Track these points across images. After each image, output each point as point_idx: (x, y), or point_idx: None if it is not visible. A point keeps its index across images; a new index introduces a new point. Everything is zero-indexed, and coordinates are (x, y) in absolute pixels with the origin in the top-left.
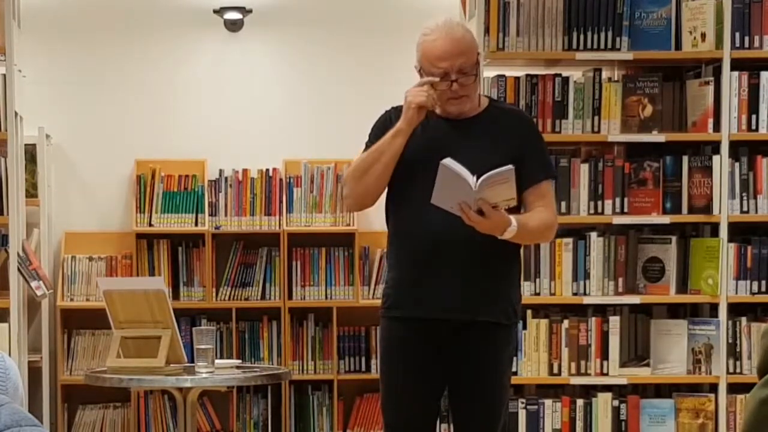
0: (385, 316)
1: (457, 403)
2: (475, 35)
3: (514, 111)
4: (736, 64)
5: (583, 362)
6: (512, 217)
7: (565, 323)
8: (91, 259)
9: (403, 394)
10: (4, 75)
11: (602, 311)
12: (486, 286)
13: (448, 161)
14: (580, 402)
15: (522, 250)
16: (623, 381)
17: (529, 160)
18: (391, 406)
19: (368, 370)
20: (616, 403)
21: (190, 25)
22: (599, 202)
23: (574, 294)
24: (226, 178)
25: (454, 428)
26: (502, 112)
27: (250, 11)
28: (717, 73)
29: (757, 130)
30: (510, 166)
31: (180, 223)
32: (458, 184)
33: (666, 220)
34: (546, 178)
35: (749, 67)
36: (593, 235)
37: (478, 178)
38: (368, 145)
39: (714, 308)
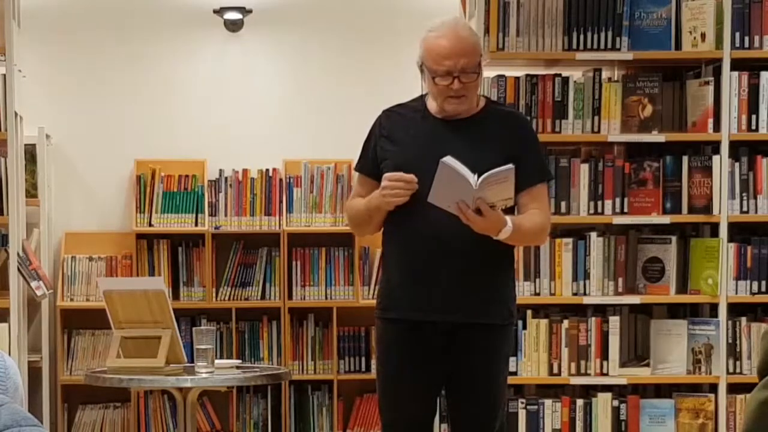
0: (380, 318)
1: (454, 404)
2: None
3: (511, 112)
4: (736, 64)
5: (583, 362)
6: (508, 218)
7: (565, 323)
8: (91, 259)
9: (400, 394)
10: (4, 75)
11: (602, 311)
12: (482, 288)
13: (448, 159)
14: (580, 402)
15: (522, 251)
16: (623, 381)
17: (525, 162)
18: (388, 407)
19: (368, 370)
20: (616, 403)
21: (190, 25)
22: (599, 202)
23: (574, 294)
24: (226, 178)
25: (451, 428)
26: (499, 113)
27: (250, 11)
28: (717, 73)
29: (757, 130)
30: (510, 166)
31: (180, 223)
32: (458, 183)
33: (666, 220)
34: (541, 180)
35: (749, 67)
36: (593, 235)
37: (478, 177)
38: (361, 159)
39: (714, 308)
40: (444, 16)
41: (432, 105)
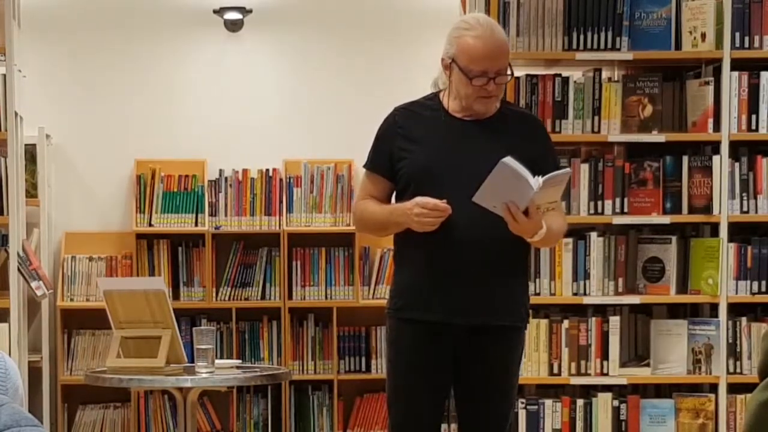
0: (394, 317)
1: (465, 404)
2: None
3: (527, 114)
4: (736, 64)
5: (583, 362)
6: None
7: (565, 323)
8: (91, 259)
9: (412, 395)
10: (4, 75)
11: (602, 311)
12: (501, 290)
13: (509, 160)
14: (580, 402)
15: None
16: (623, 381)
17: (545, 164)
18: (399, 407)
19: (368, 370)
20: (616, 403)
21: (190, 25)
22: (599, 202)
23: (574, 294)
24: (226, 178)
25: (461, 428)
26: (515, 114)
27: (250, 11)
28: (717, 73)
29: (757, 130)
30: (568, 170)
31: (180, 223)
32: (515, 184)
33: (666, 220)
34: None
35: (749, 67)
36: (593, 235)
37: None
38: (373, 157)
39: (714, 308)
40: (475, 14)
41: (452, 104)
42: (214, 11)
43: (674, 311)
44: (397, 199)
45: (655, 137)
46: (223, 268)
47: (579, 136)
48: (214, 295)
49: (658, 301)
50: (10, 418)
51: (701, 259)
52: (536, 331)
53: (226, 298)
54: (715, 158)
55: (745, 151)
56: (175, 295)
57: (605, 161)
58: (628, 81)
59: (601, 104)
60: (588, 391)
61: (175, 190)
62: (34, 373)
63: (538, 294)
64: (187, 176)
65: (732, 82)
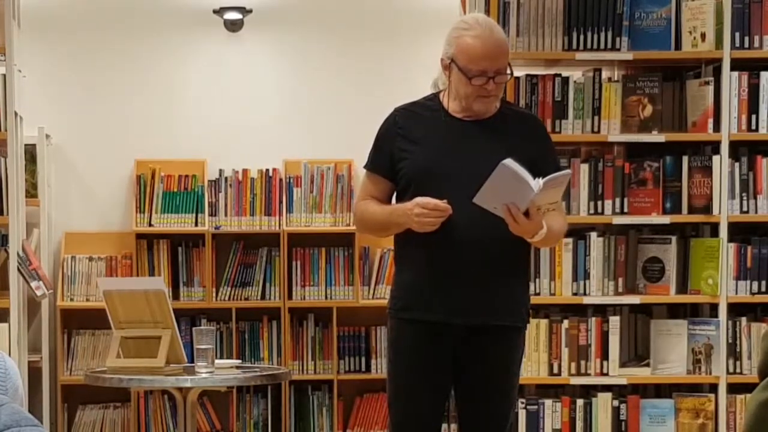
0: (395, 317)
1: (465, 404)
2: None
3: (527, 114)
4: (736, 64)
5: (583, 362)
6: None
7: (565, 323)
8: (91, 259)
9: (412, 395)
10: (4, 75)
11: (602, 311)
12: (502, 290)
13: (509, 162)
14: (580, 402)
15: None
16: (623, 381)
17: (545, 164)
18: (399, 407)
19: (368, 370)
20: (616, 403)
21: (190, 25)
22: (599, 202)
23: (574, 294)
24: (226, 178)
25: (461, 428)
26: (516, 115)
27: (250, 11)
28: (717, 73)
29: (757, 130)
30: (568, 171)
31: (180, 223)
32: (515, 185)
33: (666, 220)
34: None
35: (749, 67)
36: (593, 235)
37: (539, 181)
38: (373, 158)
39: (714, 308)
40: (474, 14)
41: (452, 104)
42: (214, 11)
43: (674, 311)
44: (398, 200)
45: (655, 137)
46: (223, 268)
47: (579, 136)
48: (214, 295)
49: (658, 301)
50: (10, 418)
51: (701, 259)
52: (536, 331)
53: (226, 298)
54: (715, 158)
55: (745, 151)
56: (175, 295)
57: (605, 161)
58: (628, 81)
59: (601, 104)
60: (588, 391)
61: (175, 190)
62: (34, 373)
63: (538, 294)
64: (187, 176)
65: (732, 82)
